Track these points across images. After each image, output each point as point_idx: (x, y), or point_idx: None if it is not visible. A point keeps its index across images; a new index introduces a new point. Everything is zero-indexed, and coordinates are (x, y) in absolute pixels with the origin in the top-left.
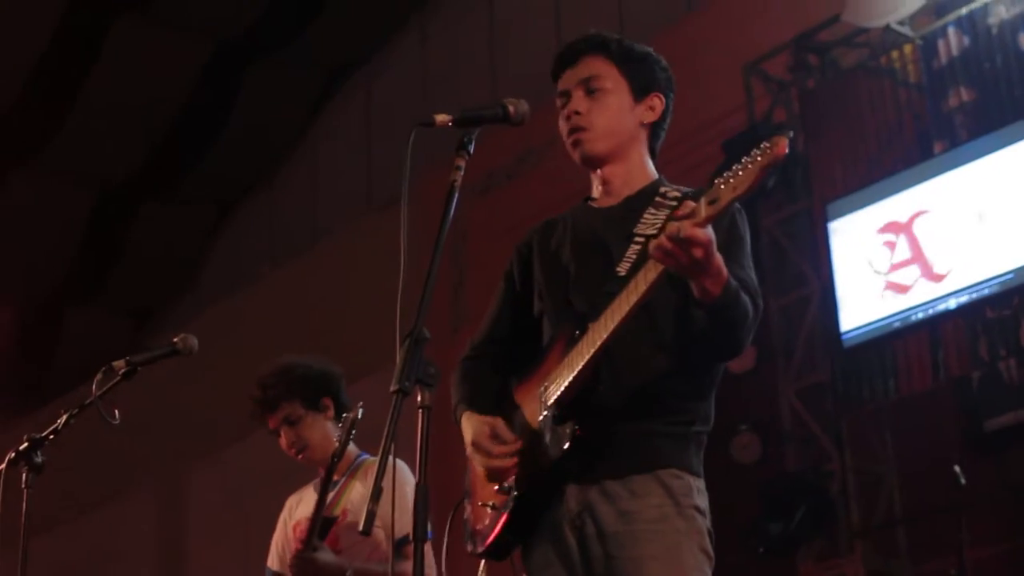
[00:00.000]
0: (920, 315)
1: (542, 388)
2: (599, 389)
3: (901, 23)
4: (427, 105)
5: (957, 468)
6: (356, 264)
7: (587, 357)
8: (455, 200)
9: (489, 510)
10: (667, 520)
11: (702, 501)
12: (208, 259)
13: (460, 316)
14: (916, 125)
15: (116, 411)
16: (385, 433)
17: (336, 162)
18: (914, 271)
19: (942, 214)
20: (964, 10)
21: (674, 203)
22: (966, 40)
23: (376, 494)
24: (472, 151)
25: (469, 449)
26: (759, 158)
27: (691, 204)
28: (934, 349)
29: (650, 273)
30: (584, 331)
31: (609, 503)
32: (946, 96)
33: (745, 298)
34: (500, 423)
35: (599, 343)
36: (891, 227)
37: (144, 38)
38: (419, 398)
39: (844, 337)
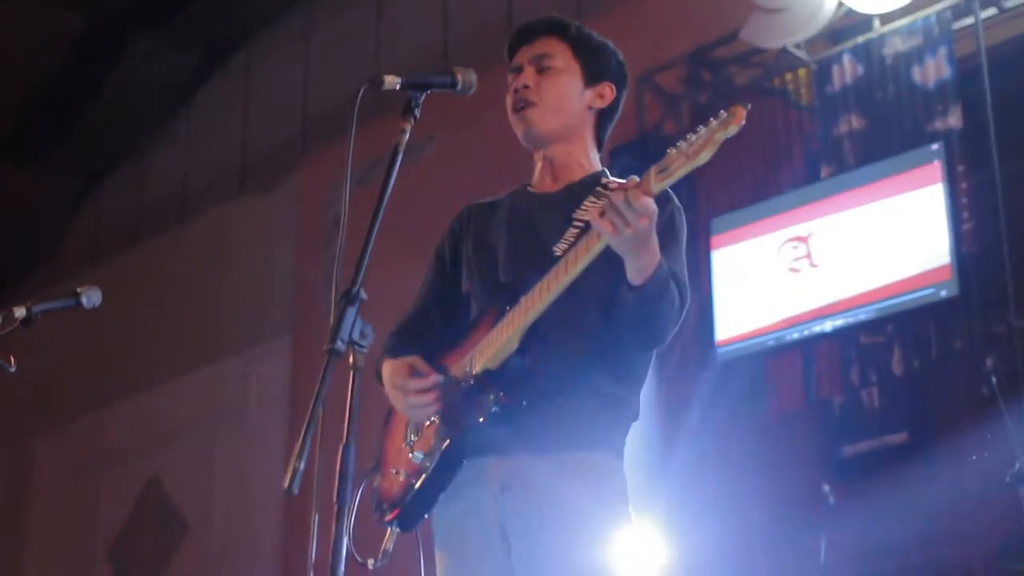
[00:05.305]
0: (795, 335)
1: (468, 358)
2: (527, 363)
3: (798, 46)
4: (307, 94)
5: (826, 487)
6: (223, 249)
7: (518, 325)
8: (398, 163)
9: (401, 478)
10: (590, 500)
11: (624, 486)
12: (71, 230)
13: (332, 307)
14: (805, 148)
15: (12, 358)
16: (315, 392)
17: (209, 143)
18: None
19: (824, 236)
20: (860, 39)
21: None
22: (860, 68)
23: (302, 451)
24: (418, 116)
25: (387, 388)
26: (715, 126)
27: (635, 178)
28: (807, 370)
29: (592, 243)
30: (515, 304)
31: (534, 479)
32: (836, 122)
33: (674, 287)
34: (418, 359)
35: (533, 311)
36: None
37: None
38: (351, 360)
39: (718, 351)
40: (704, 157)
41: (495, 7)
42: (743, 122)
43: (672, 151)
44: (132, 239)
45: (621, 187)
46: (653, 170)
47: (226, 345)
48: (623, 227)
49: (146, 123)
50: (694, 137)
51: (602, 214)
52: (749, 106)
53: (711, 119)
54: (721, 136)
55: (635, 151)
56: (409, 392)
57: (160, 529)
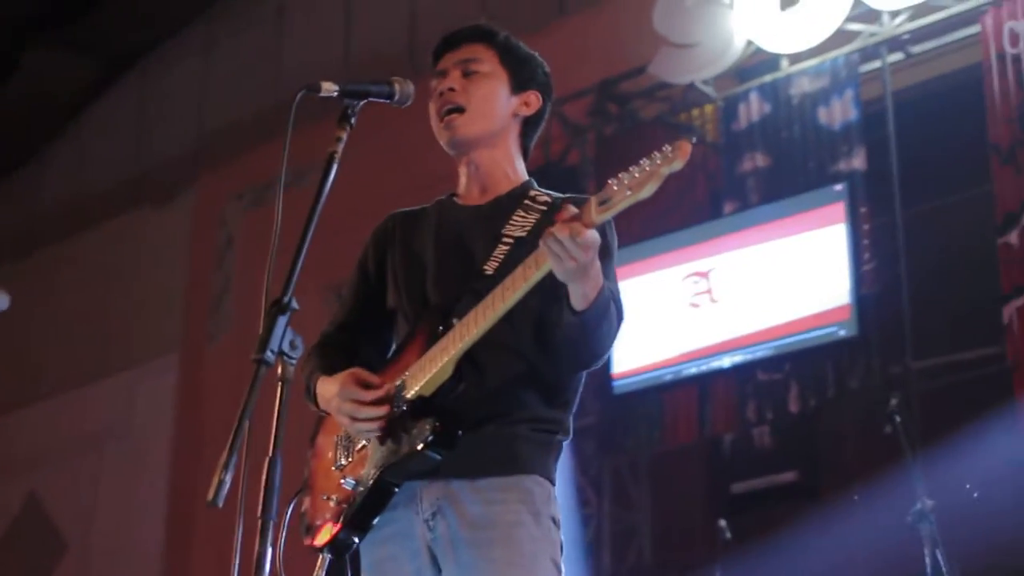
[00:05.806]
0: (693, 370)
1: (399, 382)
2: (460, 389)
3: (705, 83)
4: (205, 108)
5: (722, 523)
6: (115, 262)
7: (452, 352)
8: (333, 171)
9: (331, 504)
10: (524, 526)
11: (557, 512)
12: None
13: (221, 325)
14: (708, 184)
15: None
16: (243, 403)
17: (105, 155)
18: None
19: (725, 272)
20: (768, 78)
21: (543, 207)
22: (766, 107)
23: (228, 463)
24: (355, 124)
25: (334, 403)
26: (659, 161)
27: (572, 209)
28: (702, 405)
29: (530, 272)
30: (449, 327)
31: (466, 504)
32: (741, 159)
33: (613, 309)
34: (363, 370)
35: (468, 338)
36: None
37: None
38: (279, 371)
39: (614, 384)
40: (648, 191)
41: (397, 28)
42: (687, 157)
43: (613, 183)
44: (23, 249)
45: (561, 220)
46: (594, 201)
47: (114, 360)
48: (566, 260)
49: (41, 132)
50: (636, 170)
51: (551, 239)
52: (695, 140)
53: (655, 152)
54: (666, 171)
55: (539, 180)
56: (363, 404)
57: (37, 547)
